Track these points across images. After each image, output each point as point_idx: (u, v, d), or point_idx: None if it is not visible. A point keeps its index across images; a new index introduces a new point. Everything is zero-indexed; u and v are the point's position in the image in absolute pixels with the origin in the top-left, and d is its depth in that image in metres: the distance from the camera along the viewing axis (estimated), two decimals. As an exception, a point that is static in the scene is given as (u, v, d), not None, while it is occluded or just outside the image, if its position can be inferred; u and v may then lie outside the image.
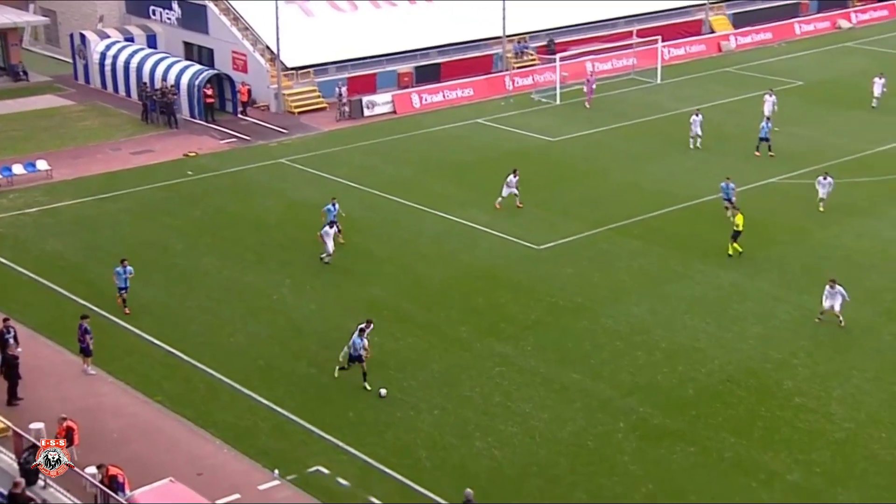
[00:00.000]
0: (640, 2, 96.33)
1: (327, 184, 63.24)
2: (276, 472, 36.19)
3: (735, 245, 52.43)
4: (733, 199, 55.80)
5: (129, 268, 46.62)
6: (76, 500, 31.58)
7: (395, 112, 78.35)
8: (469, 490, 32.77)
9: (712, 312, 47.50)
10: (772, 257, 52.75)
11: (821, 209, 57.64)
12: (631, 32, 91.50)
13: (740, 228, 52.11)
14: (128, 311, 46.69)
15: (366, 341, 40.84)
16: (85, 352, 42.41)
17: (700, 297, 48.94)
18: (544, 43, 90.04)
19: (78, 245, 55.22)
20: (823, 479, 36.44)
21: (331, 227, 52.22)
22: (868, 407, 40.41)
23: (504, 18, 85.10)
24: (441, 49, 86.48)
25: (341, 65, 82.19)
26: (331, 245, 51.40)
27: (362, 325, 41.29)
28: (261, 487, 35.60)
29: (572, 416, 39.99)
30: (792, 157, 66.88)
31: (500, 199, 58.15)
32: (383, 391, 40.52)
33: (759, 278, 50.91)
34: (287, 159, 68.33)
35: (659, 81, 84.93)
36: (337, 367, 41.53)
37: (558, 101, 79.61)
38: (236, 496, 34.79)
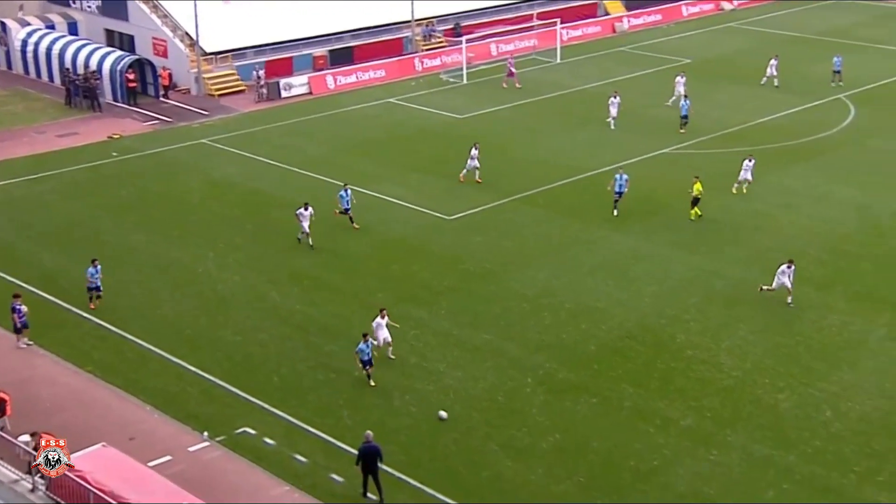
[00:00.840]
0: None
1: (248, 162, 62.88)
2: (206, 434, 36.01)
3: (696, 210, 52.86)
4: (625, 191, 54.46)
5: (98, 267, 44.97)
6: (11, 469, 31.08)
7: (311, 93, 77.95)
8: (369, 432, 33.16)
9: (611, 274, 47.97)
10: (664, 220, 53.25)
11: (742, 191, 57.13)
12: (532, 15, 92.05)
13: (699, 195, 52.38)
14: (93, 307, 44.95)
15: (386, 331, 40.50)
16: (18, 329, 41.76)
17: (600, 260, 49.37)
18: (451, 26, 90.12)
19: (7, 225, 54.28)
20: (713, 423, 37.19)
21: (344, 213, 52.20)
22: (753, 356, 41.19)
23: (413, 3, 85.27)
24: (354, 33, 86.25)
25: (259, 49, 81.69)
26: (306, 225, 50.17)
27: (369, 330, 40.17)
28: (191, 449, 35.43)
29: (484, 373, 40.20)
30: (679, 127, 67.60)
31: (464, 171, 58.39)
32: (443, 413, 37.26)
33: (653, 242, 51.47)
34: (208, 140, 67.70)
35: (558, 61, 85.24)
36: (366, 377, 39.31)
37: (465, 81, 79.71)
38: (168, 458, 34.49)
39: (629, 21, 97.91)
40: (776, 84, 77.31)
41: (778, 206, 56.07)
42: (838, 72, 77.52)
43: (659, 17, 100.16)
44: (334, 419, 36.81)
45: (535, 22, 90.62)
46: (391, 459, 34.63)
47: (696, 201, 52.95)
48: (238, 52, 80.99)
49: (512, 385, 39.53)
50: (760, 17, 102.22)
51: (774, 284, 44.72)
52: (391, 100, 75.70)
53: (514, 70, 78.17)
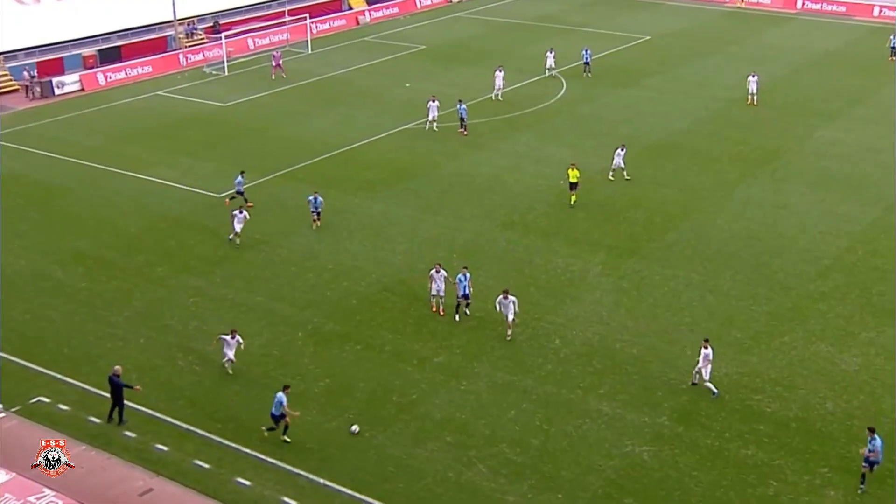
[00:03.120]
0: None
1: (25, 156, 60.51)
2: (0, 405, 34.87)
3: (573, 195, 51.54)
4: (320, 211, 50.08)
5: None
6: None
7: (83, 90, 75.43)
8: (117, 367, 34.02)
9: (368, 236, 48.39)
10: (411, 188, 53.97)
11: (623, 176, 55.57)
12: (284, 12, 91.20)
13: (576, 180, 51.40)
14: None
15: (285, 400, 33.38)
16: None
17: (357, 224, 49.67)
18: (211, 24, 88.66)
19: None
20: (462, 358, 38.21)
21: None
22: (493, 298, 41.86)
23: (174, 3, 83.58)
24: (120, 33, 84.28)
25: (29, 51, 78.66)
26: (238, 227, 47.18)
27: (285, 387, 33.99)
28: (-15, 419, 34.32)
29: (259, 331, 40.08)
30: (421, 106, 67.87)
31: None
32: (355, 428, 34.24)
33: (402, 206, 52.08)
34: (-14, 137, 65.00)
35: (309, 52, 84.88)
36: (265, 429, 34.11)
37: (226, 73, 78.60)
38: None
39: (370, 14, 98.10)
40: (554, 74, 77.33)
41: (506, 168, 57.43)
42: (587, 63, 77.93)
43: (396, 9, 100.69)
44: (127, 380, 35.92)
45: (287, 18, 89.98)
46: (179, 413, 34.62)
47: (573, 186, 51.38)
48: (9, 55, 77.67)
49: (285, 339, 39.61)
50: (484, 7, 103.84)
51: (501, 310, 39.93)
52: (159, 92, 74.05)
53: (280, 63, 77.39)
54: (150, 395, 35.42)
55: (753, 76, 71.04)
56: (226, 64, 79.49)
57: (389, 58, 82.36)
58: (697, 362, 36.02)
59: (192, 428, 34.04)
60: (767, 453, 33.17)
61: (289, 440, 33.18)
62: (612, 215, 50.60)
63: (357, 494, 31.03)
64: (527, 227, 49.32)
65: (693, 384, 36.23)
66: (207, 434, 33.73)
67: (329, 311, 41.72)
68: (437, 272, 40.68)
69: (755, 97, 70.31)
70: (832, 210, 52.27)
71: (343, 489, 31.25)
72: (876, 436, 31.04)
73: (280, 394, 32.85)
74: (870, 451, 30.99)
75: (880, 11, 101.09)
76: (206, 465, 32.20)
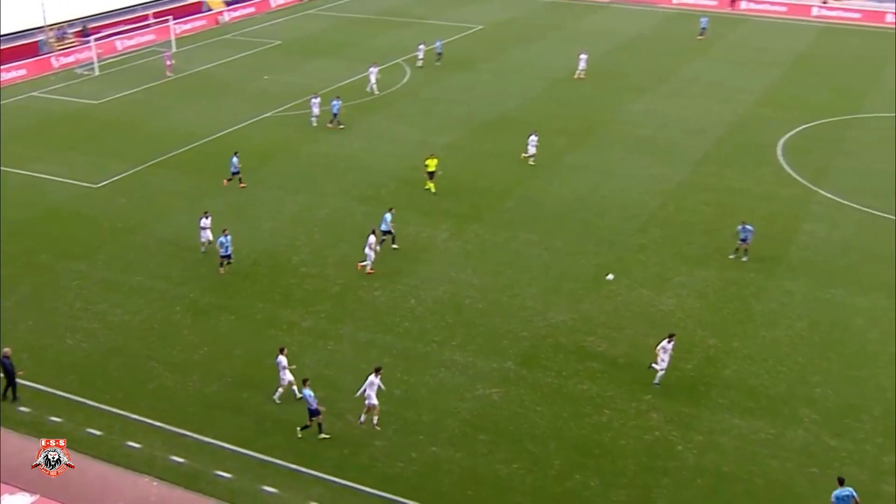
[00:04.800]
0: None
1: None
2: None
3: (432, 183, 50.48)
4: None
5: None
6: None
7: (-38, 94, 72.49)
8: (6, 349, 33.00)
9: (236, 216, 47.60)
10: (273, 171, 53.45)
11: (528, 162, 54.58)
12: (148, 15, 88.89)
13: (433, 169, 50.33)
14: None
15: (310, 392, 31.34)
16: None
17: (223, 207, 48.77)
18: (80, 28, 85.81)
19: None
20: (328, 321, 38.15)
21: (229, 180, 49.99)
22: (352, 266, 42.12)
23: (44, 10, 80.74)
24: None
25: None
26: (208, 235, 43.69)
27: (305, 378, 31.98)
28: None
29: (140, 308, 39.35)
30: (279, 96, 67.72)
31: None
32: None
33: (266, 188, 51.50)
34: None
35: (174, 50, 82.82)
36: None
37: (97, 73, 76.18)
38: None
39: (229, 14, 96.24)
40: (421, 65, 76.46)
41: (361, 149, 57.30)
42: (440, 53, 77.74)
43: (252, 9, 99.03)
44: (16, 360, 34.81)
45: (152, 20, 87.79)
46: (70, 388, 33.78)
47: (431, 175, 50.27)
48: None
49: (164, 314, 38.94)
50: (335, 4, 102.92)
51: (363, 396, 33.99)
52: (34, 93, 71.35)
53: (170, 62, 75.35)
54: (42, 373, 34.53)
55: (584, 54, 72.76)
56: (96, 64, 77.15)
57: (248, 53, 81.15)
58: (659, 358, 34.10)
59: (83, 400, 33.29)
60: (600, 386, 34.07)
61: (327, 436, 31.26)
62: (456, 187, 50.88)
63: (239, 449, 30.83)
64: (381, 200, 49.33)
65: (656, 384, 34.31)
66: (97, 404, 33.03)
67: (203, 286, 41.13)
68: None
69: (583, 72, 71.95)
70: (646, 173, 53.68)
71: (226, 445, 31.01)
72: (846, 487, 27.02)
73: (306, 390, 30.94)
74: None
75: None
76: (98, 433, 31.55)
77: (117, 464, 30.28)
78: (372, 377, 31.25)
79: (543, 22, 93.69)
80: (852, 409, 33.12)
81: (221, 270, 41.42)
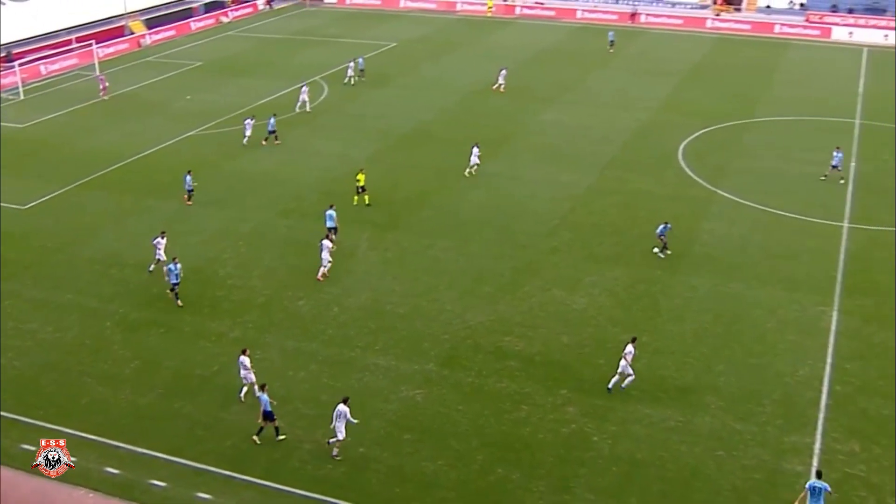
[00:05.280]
0: (76, 16, 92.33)
1: None
2: None
3: (364, 196, 49.85)
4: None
5: None
6: None
7: None
8: None
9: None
10: (198, 187, 52.51)
11: (472, 173, 54.42)
12: (71, 40, 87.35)
13: (363, 184, 49.82)
14: None
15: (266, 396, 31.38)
16: None
17: (152, 223, 48.06)
18: (4, 54, 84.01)
19: None
20: (255, 331, 37.84)
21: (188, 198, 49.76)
22: (278, 277, 42.07)
23: (-35, 38, 79.08)
24: (-84, 68, 78.75)
25: None
26: (162, 253, 42.59)
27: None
28: None
29: (71, 325, 38.70)
30: (202, 115, 67.07)
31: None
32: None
33: (193, 203, 50.88)
34: None
35: (97, 74, 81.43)
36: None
37: (21, 97, 74.60)
38: None
39: (150, 37, 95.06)
40: (352, 83, 75.76)
41: (284, 163, 57.02)
42: (363, 70, 77.30)
43: (173, 31, 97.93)
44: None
45: (75, 44, 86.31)
46: (4, 405, 33.12)
47: (362, 189, 49.65)
48: None
49: (95, 330, 38.34)
50: (252, 25, 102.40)
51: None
52: (-40, 119, 69.95)
53: (105, 84, 73.96)
54: (-26, 392, 33.82)
55: (503, 70, 73.56)
56: (21, 89, 75.63)
57: (171, 74, 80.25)
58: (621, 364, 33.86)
59: (17, 416, 32.62)
60: (518, 384, 34.38)
61: (283, 437, 31.29)
62: (374, 197, 50.77)
63: (172, 458, 30.52)
64: (303, 213, 49.19)
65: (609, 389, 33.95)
66: (32, 420, 32.38)
67: (134, 301, 40.57)
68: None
69: (503, 86, 72.62)
70: (556, 179, 54.30)
71: (159, 454, 30.68)
72: (820, 481, 27.25)
73: (263, 395, 30.79)
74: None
75: (582, 14, 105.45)
76: (33, 448, 30.63)
77: (53, 477, 29.70)
78: (340, 406, 30.29)
79: (454, 38, 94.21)
80: (754, 394, 33.89)
81: (179, 303, 39.67)
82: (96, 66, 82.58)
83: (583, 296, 40.67)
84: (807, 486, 27.34)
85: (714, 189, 52.72)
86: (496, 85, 73.48)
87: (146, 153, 59.38)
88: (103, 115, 68.87)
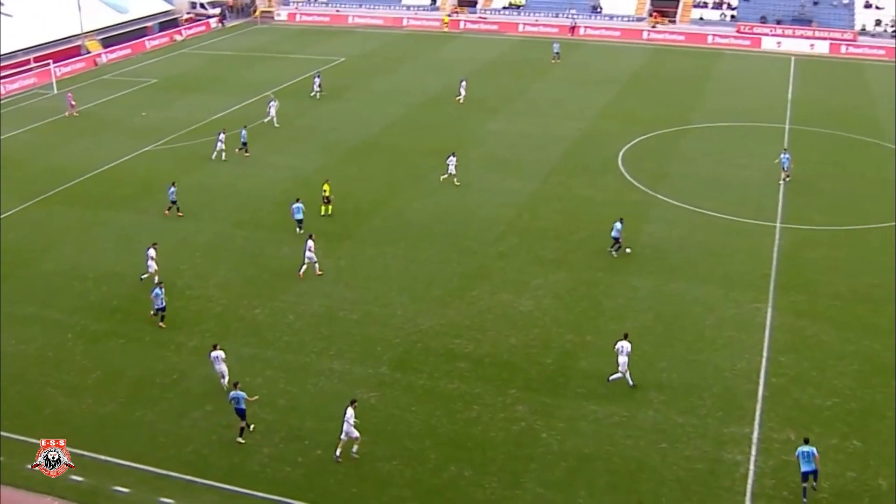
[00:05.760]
0: (33, 36, 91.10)
1: None
2: None
3: (328, 207, 49.57)
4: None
5: None
6: None
7: None
8: None
9: (122, 245, 46.59)
10: (156, 200, 51.90)
11: (454, 182, 54.07)
12: (29, 59, 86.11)
13: (328, 195, 49.56)
14: None
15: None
16: None
17: (111, 235, 47.81)
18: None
19: None
20: (213, 339, 36.65)
21: (169, 210, 49.35)
22: (234, 287, 41.84)
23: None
24: None
25: None
26: (153, 266, 41.96)
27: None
28: None
29: (34, 337, 38.10)
30: (157, 131, 66.35)
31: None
32: None
33: (149, 216, 50.33)
34: None
35: (55, 92, 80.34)
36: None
37: (-21, 116, 73.59)
38: None
39: (107, 56, 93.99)
40: (318, 97, 75.36)
41: (238, 176, 56.56)
42: (320, 86, 76.07)
43: (129, 50, 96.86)
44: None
45: (32, 64, 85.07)
46: (-35, 418, 32.38)
47: (327, 200, 49.49)
48: None
49: (57, 341, 37.76)
50: (206, 43, 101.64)
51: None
52: (-82, 138, 68.52)
53: (73, 103, 72.78)
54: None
55: (463, 81, 73.39)
56: (-23, 107, 74.51)
57: (127, 92, 79.36)
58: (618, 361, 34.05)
59: (-20, 429, 32.08)
60: (469, 385, 34.40)
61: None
62: (327, 208, 50.62)
63: (135, 464, 30.18)
64: (257, 224, 48.89)
65: (609, 380, 34.15)
66: (-4, 432, 31.90)
67: (95, 313, 40.01)
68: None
69: (462, 98, 72.77)
70: (502, 186, 54.46)
71: (122, 461, 30.31)
72: (808, 446, 28.44)
73: (238, 392, 30.97)
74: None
75: (524, 27, 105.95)
76: (-2, 459, 30.48)
77: (18, 486, 29.28)
78: (349, 409, 30.18)
79: (401, 53, 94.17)
80: (695, 388, 34.21)
81: (162, 324, 38.58)
82: (54, 85, 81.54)
83: (529, 298, 40.79)
84: (797, 452, 28.44)
85: (653, 193, 53.18)
86: (458, 97, 73.03)
87: (105, 168, 58.64)
88: (62, 132, 67.94)
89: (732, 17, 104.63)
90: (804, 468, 28.19)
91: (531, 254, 45.28)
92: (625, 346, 33.98)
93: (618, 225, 44.34)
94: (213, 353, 33.66)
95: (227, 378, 33.47)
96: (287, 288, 41.79)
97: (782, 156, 55.01)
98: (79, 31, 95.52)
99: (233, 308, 40.08)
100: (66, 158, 61.21)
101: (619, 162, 58.87)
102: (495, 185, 54.50)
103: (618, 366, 33.97)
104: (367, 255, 45.23)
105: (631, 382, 34.00)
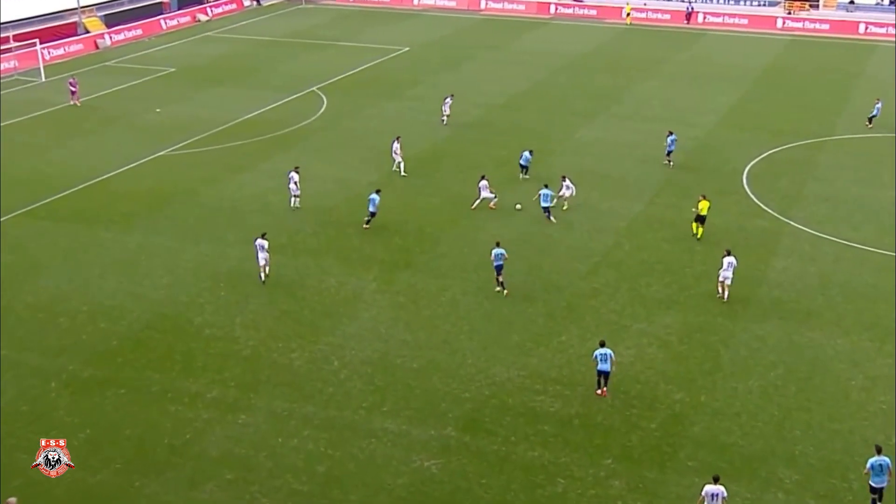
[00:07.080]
0: (14, 8, 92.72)
1: None
2: None
3: (700, 227, 50.32)
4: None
5: None
6: None
7: None
8: None
9: (124, 271, 47.22)
10: (169, 216, 53.10)
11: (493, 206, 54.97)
12: (9, 37, 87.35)
13: (704, 213, 50.19)
14: None
15: None
16: None
17: (111, 260, 48.44)
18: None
19: None
20: (237, 390, 37.43)
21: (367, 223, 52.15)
22: (265, 326, 42.09)
23: None
24: None
25: None
26: None
27: None
28: None
29: (6, 387, 37.97)
30: (175, 131, 67.57)
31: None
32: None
33: (160, 236, 51.18)
34: None
35: (43, 79, 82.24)
36: None
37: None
38: None
39: (111, 37, 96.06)
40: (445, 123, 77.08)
41: (271, 189, 57.23)
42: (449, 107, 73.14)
43: (140, 31, 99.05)
44: None
45: (13, 44, 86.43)
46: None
47: (701, 219, 50.21)
48: None
49: (35, 392, 37.74)
50: (235, 25, 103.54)
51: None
52: None
53: (74, 89, 74.58)
54: None
55: (448, 98, 69.98)
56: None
57: (137, 82, 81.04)
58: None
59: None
60: (553, 452, 34.38)
61: None
62: (382, 229, 51.12)
63: (135, 547, 30.45)
64: (296, 248, 49.48)
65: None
66: (-32, 495, 32.35)
67: (86, 356, 40.21)
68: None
69: (447, 117, 69.88)
70: (596, 207, 54.53)
71: (118, 543, 30.60)
72: (882, 456, 30.53)
73: None
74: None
75: (630, 14, 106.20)
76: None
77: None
78: None
79: (477, 42, 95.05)
80: (837, 466, 33.79)
81: (366, 226, 43.58)
82: (41, 70, 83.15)
83: (630, 346, 40.72)
84: (868, 464, 30.25)
85: (786, 220, 52.89)
86: (442, 117, 69.98)
87: (106, 176, 59.77)
88: (51, 130, 69.35)
89: (892, 1, 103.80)
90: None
91: (633, 291, 45.24)
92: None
93: (526, 154, 45.07)
94: (259, 241, 41.24)
95: (266, 272, 38.84)
96: (332, 327, 42.19)
97: None
98: (74, 5, 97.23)
99: (264, 351, 40.49)
100: (55, 163, 62.48)
101: (744, 180, 58.66)
102: (587, 206, 54.58)
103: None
104: (432, 289, 45.54)
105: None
